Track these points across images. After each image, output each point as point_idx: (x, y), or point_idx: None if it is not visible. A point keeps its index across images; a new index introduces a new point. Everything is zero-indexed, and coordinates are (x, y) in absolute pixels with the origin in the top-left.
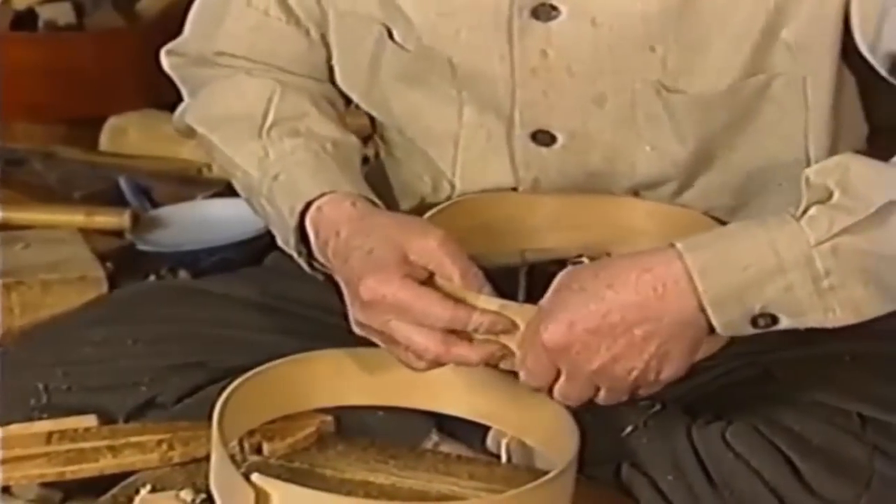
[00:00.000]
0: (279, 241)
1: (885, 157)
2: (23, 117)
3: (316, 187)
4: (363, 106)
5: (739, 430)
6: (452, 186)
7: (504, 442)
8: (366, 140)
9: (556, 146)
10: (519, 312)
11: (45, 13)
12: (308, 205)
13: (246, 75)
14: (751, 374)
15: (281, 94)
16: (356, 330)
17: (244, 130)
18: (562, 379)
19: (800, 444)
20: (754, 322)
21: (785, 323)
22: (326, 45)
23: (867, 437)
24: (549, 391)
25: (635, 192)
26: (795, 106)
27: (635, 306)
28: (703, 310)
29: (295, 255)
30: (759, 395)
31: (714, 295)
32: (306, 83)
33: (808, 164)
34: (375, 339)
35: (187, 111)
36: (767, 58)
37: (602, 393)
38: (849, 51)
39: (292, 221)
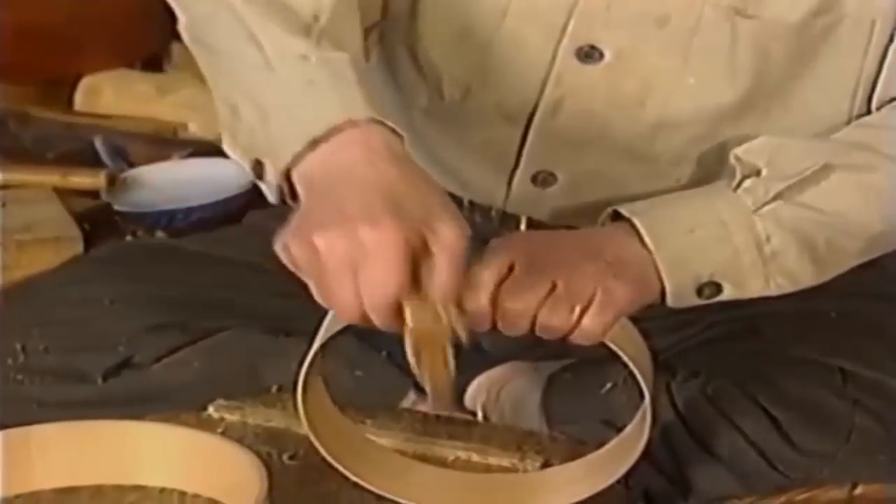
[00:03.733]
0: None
1: None
2: None
3: (326, 120)
4: None
5: (720, 385)
6: (468, 92)
7: (480, 401)
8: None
9: (601, 64)
10: None
11: None
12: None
13: None
14: (733, 330)
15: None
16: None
17: (290, 21)
18: (517, 270)
19: (780, 398)
20: (700, 291)
21: (728, 293)
22: None
23: (848, 391)
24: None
25: (656, 131)
26: (856, 52)
27: (593, 243)
28: (655, 268)
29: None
30: (739, 351)
31: (666, 256)
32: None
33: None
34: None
35: None
36: None
37: (558, 290)
38: None
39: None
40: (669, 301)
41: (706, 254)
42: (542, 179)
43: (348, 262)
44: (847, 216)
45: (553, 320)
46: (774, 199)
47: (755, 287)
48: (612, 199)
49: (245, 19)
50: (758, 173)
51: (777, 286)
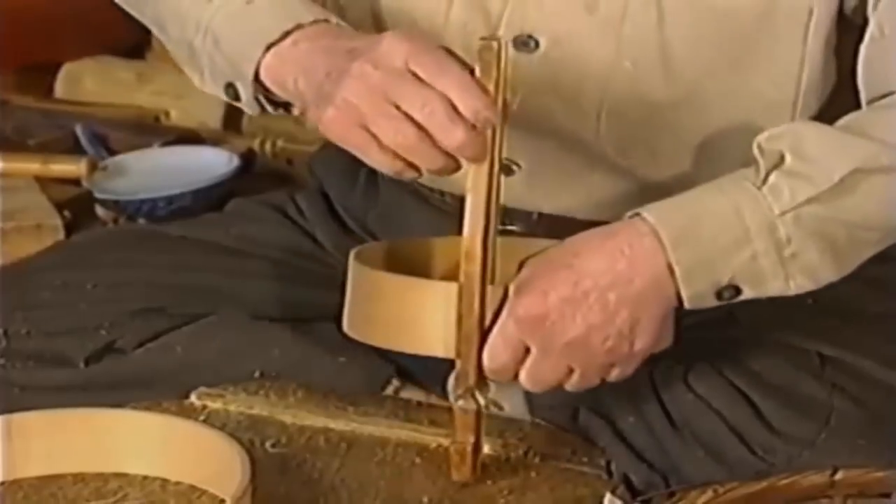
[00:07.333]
0: (212, 80)
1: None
2: None
3: (277, 27)
4: None
5: (700, 372)
6: None
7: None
8: None
9: (537, 53)
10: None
11: None
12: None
13: None
14: (712, 317)
15: None
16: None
17: None
18: (532, 357)
19: (760, 384)
20: (719, 294)
21: (747, 294)
22: None
23: (826, 375)
24: (515, 377)
25: (598, 119)
26: (795, 39)
27: (605, 271)
28: (671, 274)
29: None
30: (719, 338)
31: (686, 267)
32: None
33: (794, 115)
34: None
35: None
36: None
37: (575, 375)
38: None
39: (251, 69)
40: (687, 305)
41: (726, 260)
42: (505, 167)
43: (381, 92)
44: (870, 215)
45: (579, 388)
46: (803, 204)
47: (775, 287)
48: (571, 185)
49: None
50: (781, 158)
51: (797, 286)
